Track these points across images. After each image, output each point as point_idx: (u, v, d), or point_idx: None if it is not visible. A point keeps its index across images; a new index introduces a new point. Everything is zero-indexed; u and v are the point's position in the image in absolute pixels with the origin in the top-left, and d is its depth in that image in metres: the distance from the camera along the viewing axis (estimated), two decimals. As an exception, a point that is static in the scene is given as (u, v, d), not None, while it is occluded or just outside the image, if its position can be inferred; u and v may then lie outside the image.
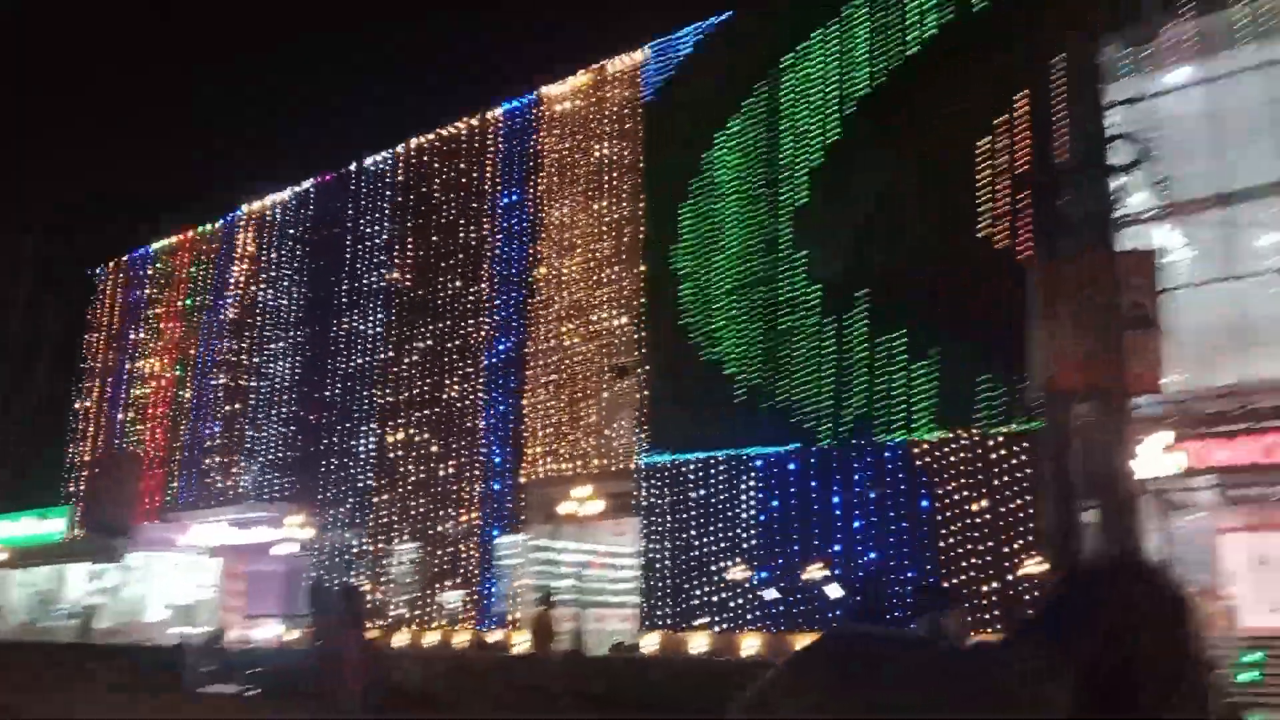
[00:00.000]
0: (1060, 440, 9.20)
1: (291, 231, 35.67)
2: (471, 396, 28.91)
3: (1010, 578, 18.89)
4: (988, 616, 18.60)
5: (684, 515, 23.49)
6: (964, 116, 20.41)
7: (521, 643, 23.72)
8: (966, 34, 20.97)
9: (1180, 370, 18.63)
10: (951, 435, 19.87)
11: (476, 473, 28.12)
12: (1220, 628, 18.27)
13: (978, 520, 19.41)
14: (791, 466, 21.96)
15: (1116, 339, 8.87)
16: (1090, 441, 9.14)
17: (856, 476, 20.95)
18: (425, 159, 32.16)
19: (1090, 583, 2.09)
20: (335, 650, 6.12)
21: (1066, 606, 2.03)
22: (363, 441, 31.12)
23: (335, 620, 8.74)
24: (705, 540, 22.99)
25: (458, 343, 29.65)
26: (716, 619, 22.44)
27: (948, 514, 19.69)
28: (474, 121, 31.07)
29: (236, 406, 35.53)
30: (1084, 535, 9.55)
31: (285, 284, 35.41)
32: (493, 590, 27.10)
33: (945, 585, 18.50)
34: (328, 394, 32.47)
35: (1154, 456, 17.18)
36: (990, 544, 19.19)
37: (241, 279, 36.83)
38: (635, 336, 25.69)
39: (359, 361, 31.93)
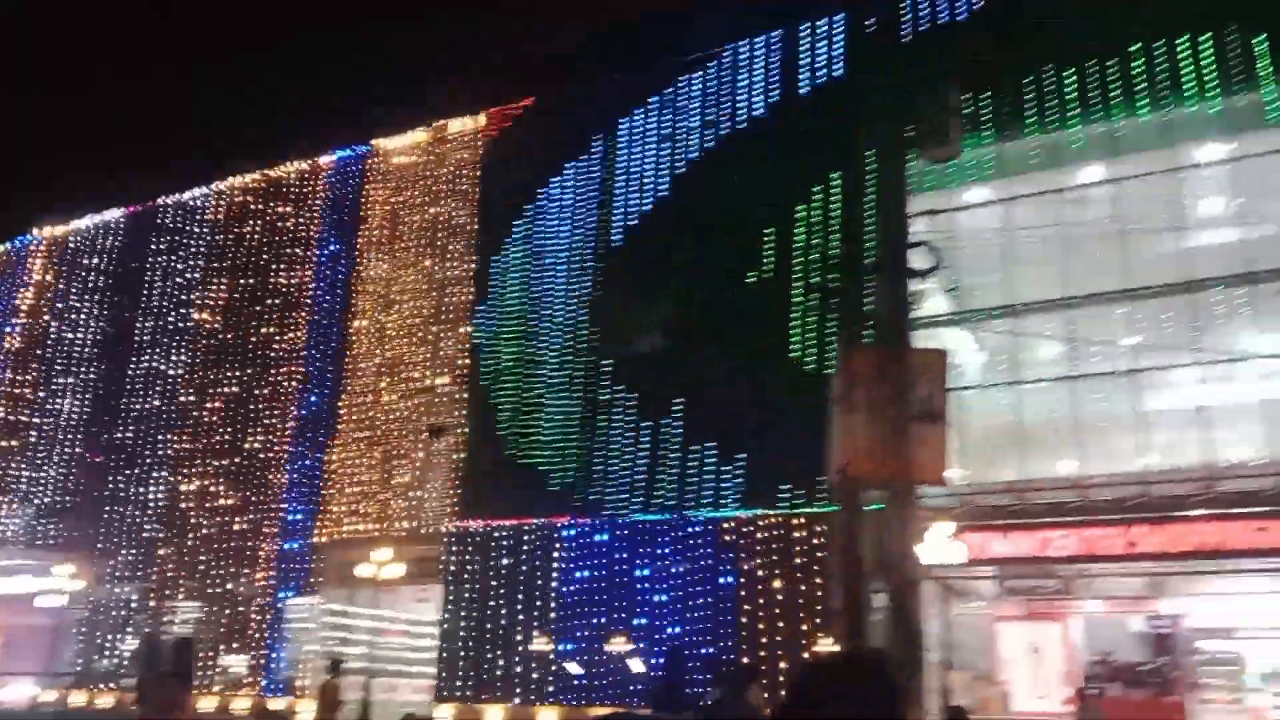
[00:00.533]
0: (850, 525, 9.62)
1: (92, 261, 33.48)
2: (276, 449, 27.64)
3: (804, 655, 19.40)
4: (782, 693, 18.97)
5: (490, 583, 23.07)
6: (778, 212, 21.55)
7: (306, 712, 22.48)
8: (785, 140, 22.21)
9: (966, 465, 19.92)
10: (756, 514, 20.43)
11: (273, 530, 26.76)
12: (994, 711, 19.35)
13: (777, 598, 19.93)
14: (601, 538, 22.01)
15: (905, 431, 9.39)
16: (879, 527, 9.60)
17: (664, 550, 21.19)
18: (246, 199, 31.02)
19: (824, 677, 2.62)
20: (162, 712, 5.51)
21: (804, 697, 2.55)
22: (152, 489, 29.14)
23: (163, 677, 7.99)
24: (510, 610, 22.62)
25: (265, 391, 28.38)
26: (516, 691, 21.99)
27: (749, 591, 20.14)
28: (303, 165, 30.29)
29: (13, 444, 32.64)
30: (869, 617, 9.94)
31: (80, 316, 33.09)
32: (279, 655, 25.65)
33: (745, 661, 18.82)
34: (118, 436, 30.32)
35: (939, 545, 18.18)
36: (786, 621, 19.71)
37: (31, 307, 34.16)
38: (455, 398, 25.32)
39: (155, 403, 30.04)
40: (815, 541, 19.72)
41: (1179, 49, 19.18)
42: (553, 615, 22.18)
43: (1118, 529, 18.09)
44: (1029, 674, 21.73)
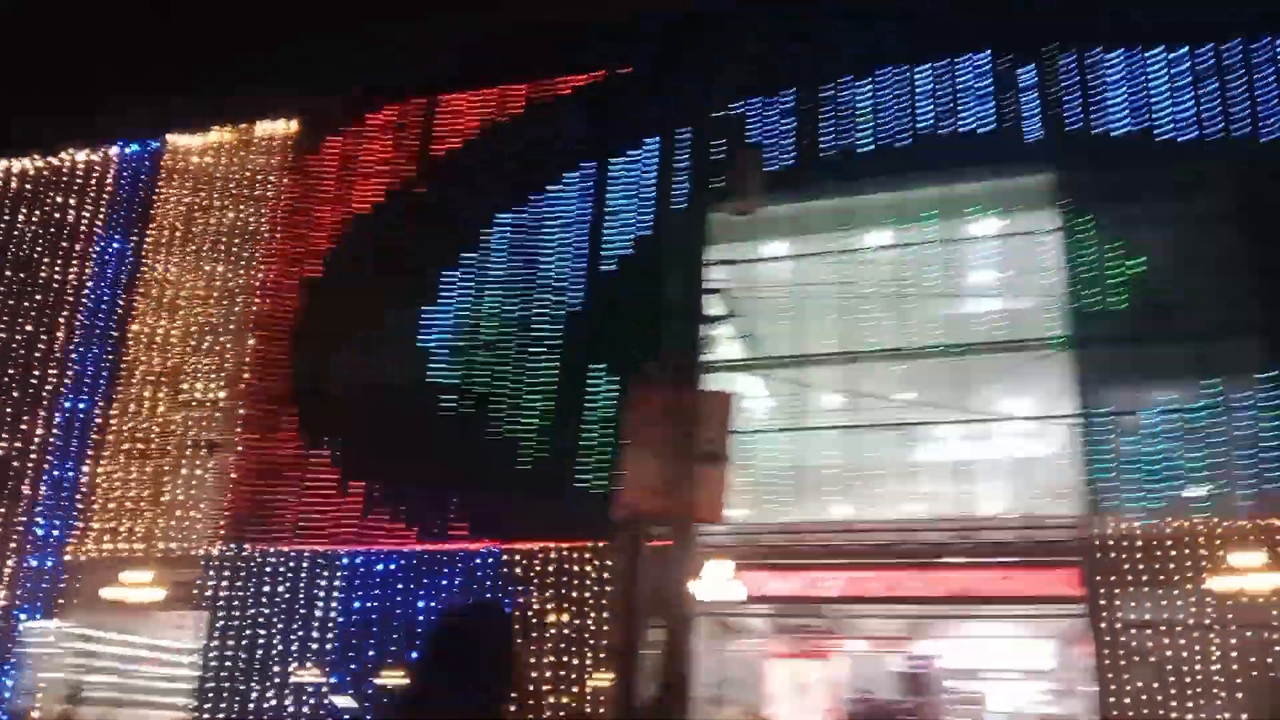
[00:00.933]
0: (630, 559, 9.75)
1: None
2: (30, 457, 25.32)
3: (582, 690, 19.40)
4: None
5: (257, 611, 21.87)
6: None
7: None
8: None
9: (747, 505, 20.64)
10: (541, 546, 20.35)
11: (15, 545, 24.44)
12: (761, 746, 19.99)
13: (562, 631, 19.85)
14: (380, 568, 21.32)
15: (689, 470, 9.65)
16: (658, 563, 9.79)
17: (445, 582, 20.74)
18: (19, 185, 28.56)
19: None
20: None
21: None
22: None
23: None
24: (277, 639, 21.49)
25: (25, 395, 26.01)
26: (279, 725, 20.89)
27: (532, 623, 19.95)
28: (88, 156, 28.18)
29: None
30: (645, 653, 10.07)
31: None
32: (12, 682, 23.34)
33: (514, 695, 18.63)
34: None
35: (718, 583, 18.70)
36: (567, 655, 19.66)
37: None
38: (235, 413, 24.00)
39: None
40: (599, 576, 19.84)
41: (962, 125, 20.84)
42: (325, 646, 21.25)
43: (881, 572, 19.16)
44: (795, 710, 22.60)
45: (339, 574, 21.58)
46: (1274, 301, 17.49)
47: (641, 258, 21.20)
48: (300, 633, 21.44)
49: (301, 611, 21.57)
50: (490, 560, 20.67)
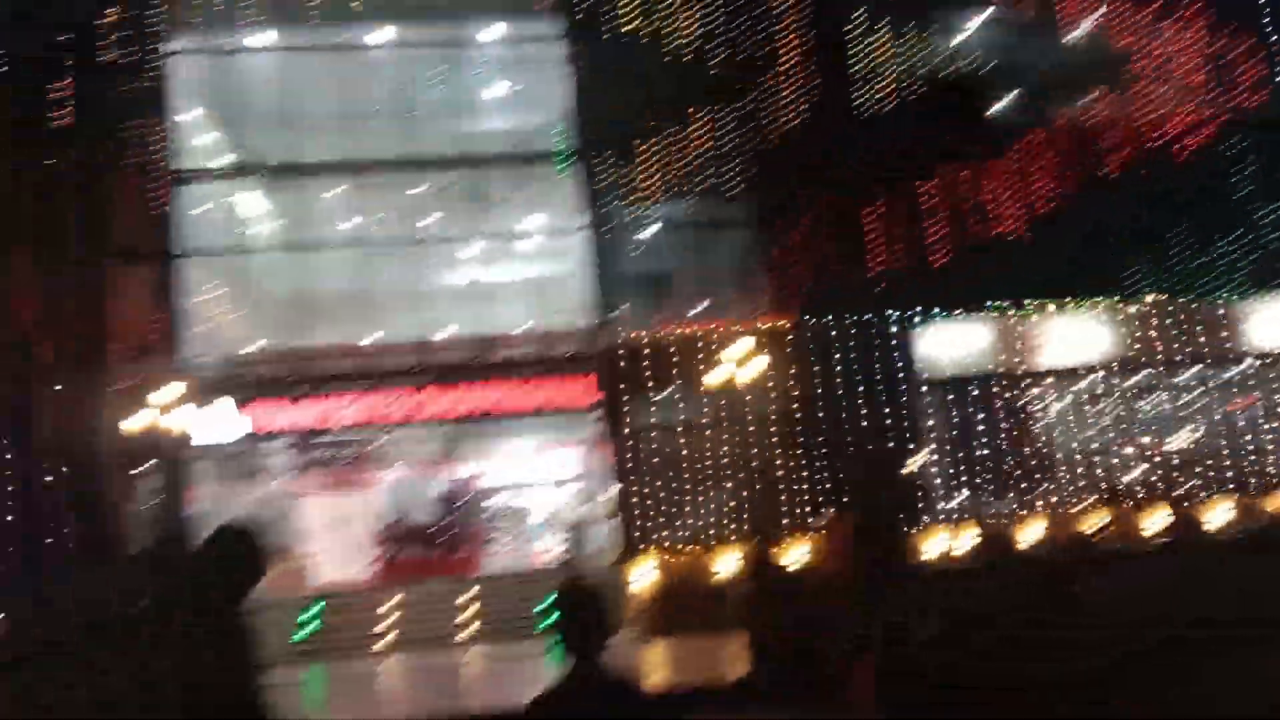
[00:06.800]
0: (20, 398, 7.77)
1: None
2: None
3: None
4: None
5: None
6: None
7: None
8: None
9: (250, 333, 18.79)
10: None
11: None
12: (296, 586, 18.86)
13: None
14: None
15: (101, 280, 7.81)
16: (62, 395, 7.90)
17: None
18: None
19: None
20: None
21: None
22: None
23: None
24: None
25: None
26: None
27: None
28: None
29: None
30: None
31: None
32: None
33: None
34: None
35: (218, 421, 16.91)
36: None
37: None
38: None
39: None
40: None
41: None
42: None
43: (403, 395, 18.44)
44: (332, 544, 21.70)
45: None
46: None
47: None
48: None
49: None
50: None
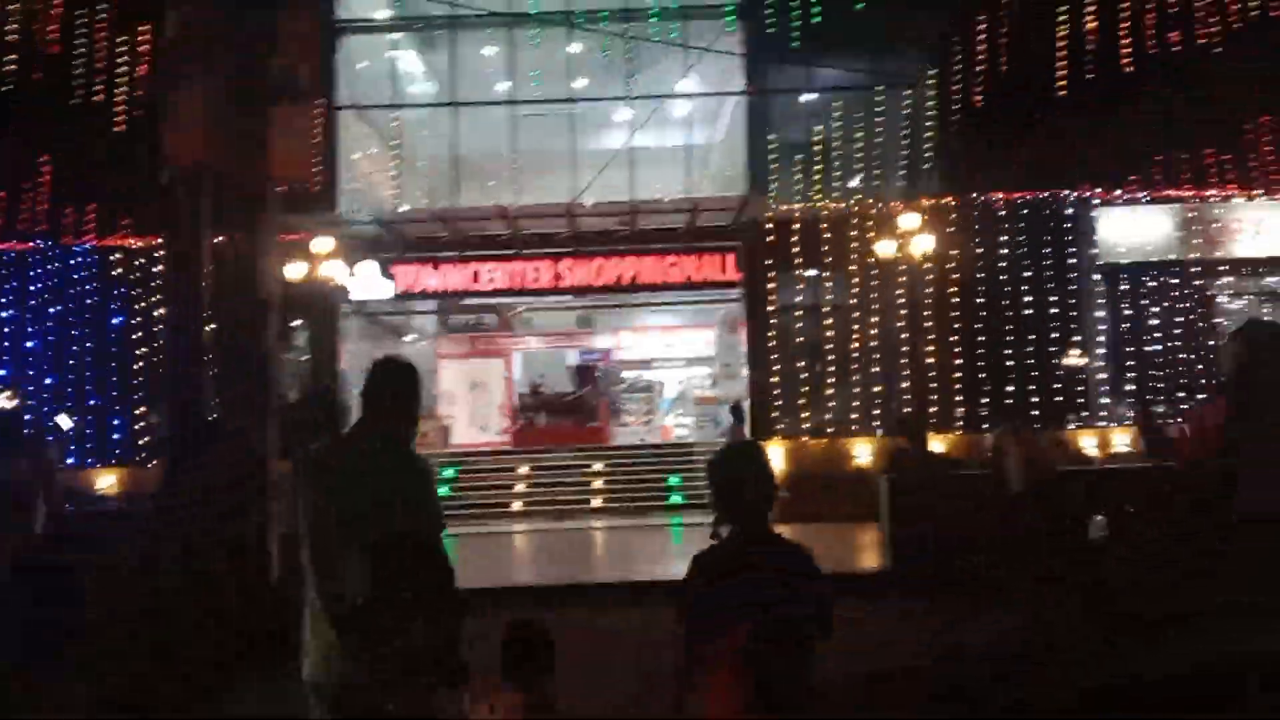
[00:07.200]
0: (189, 231, 7.69)
1: None
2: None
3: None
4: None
5: None
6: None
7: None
8: None
9: (399, 193, 18.76)
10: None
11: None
12: (435, 444, 19.34)
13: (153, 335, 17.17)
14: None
15: (261, 115, 7.58)
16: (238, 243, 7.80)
17: (36, 287, 17.45)
18: None
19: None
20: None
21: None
22: None
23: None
24: None
25: None
26: None
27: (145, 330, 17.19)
28: None
29: None
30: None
31: None
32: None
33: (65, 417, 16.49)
34: None
35: (367, 280, 17.04)
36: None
37: None
38: None
39: None
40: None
41: None
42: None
43: (546, 262, 18.24)
44: (469, 409, 22.18)
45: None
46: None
47: None
48: None
49: None
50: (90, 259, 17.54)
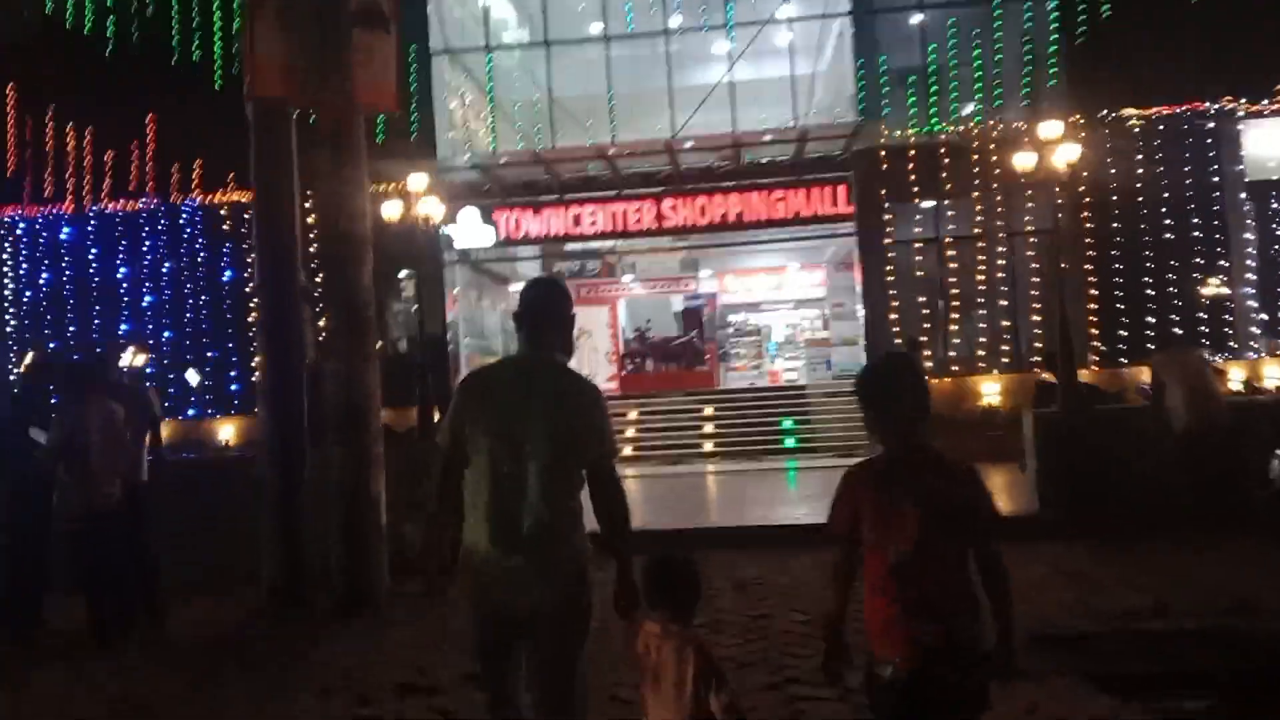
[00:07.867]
0: (275, 170, 7.44)
1: None
2: None
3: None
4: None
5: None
6: None
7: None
8: None
9: (496, 137, 18.42)
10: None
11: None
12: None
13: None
14: (67, 232, 18.11)
15: (342, 42, 7.22)
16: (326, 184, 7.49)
17: (149, 245, 17.86)
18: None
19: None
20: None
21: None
22: None
23: None
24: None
25: None
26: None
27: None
28: None
29: None
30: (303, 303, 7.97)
31: None
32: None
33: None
34: None
35: (469, 228, 16.83)
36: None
37: None
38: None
39: None
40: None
41: None
42: (10, 327, 18.37)
43: (648, 203, 17.72)
44: (576, 356, 21.92)
45: (13, 242, 18.24)
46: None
47: None
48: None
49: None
50: (198, 216, 17.78)
